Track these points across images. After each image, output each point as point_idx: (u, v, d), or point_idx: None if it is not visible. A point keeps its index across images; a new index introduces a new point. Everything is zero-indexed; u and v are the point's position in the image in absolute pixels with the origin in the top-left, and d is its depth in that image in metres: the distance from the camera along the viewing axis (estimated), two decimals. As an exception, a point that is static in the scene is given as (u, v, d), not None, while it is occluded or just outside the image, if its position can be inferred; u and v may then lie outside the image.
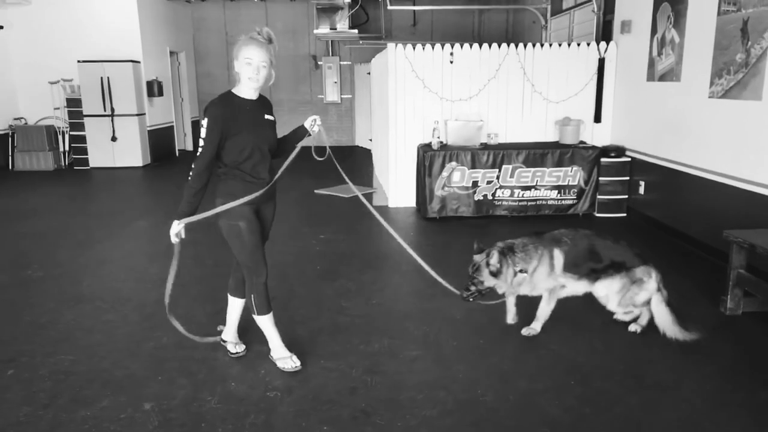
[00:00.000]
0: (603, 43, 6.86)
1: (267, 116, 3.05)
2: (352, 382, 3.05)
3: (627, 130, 6.68)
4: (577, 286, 3.54)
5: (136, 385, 3.01)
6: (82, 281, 4.61)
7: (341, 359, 3.28)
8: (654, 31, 6.01)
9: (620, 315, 3.65)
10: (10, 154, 10.47)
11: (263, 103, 3.07)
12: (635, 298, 3.46)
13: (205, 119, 2.85)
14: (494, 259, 3.33)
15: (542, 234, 3.54)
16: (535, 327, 3.56)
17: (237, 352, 3.33)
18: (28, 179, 9.58)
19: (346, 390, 2.97)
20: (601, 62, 6.84)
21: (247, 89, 2.97)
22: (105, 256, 5.31)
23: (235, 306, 3.31)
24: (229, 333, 3.37)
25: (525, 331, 3.56)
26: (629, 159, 6.51)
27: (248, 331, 3.47)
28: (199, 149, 2.87)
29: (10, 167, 10.48)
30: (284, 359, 3.16)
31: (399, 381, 3.06)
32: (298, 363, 3.15)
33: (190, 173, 2.86)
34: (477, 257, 3.43)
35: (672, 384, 3.03)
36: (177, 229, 2.91)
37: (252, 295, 3.08)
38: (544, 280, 3.45)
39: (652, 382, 3.04)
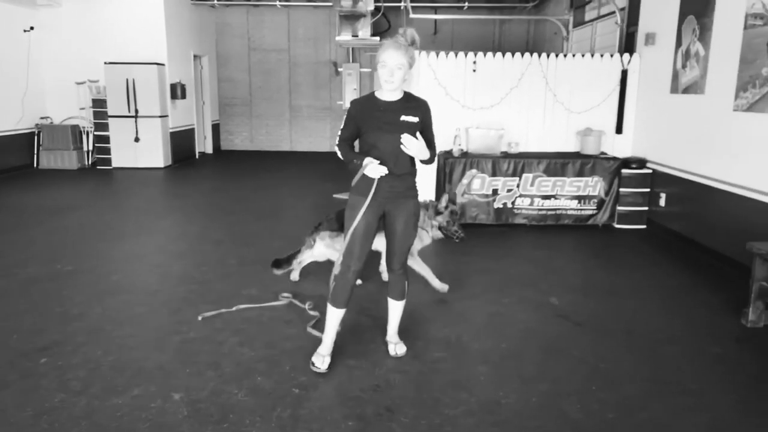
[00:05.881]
0: (626, 55, 6.89)
1: (404, 118, 3.00)
2: (375, 380, 3.09)
3: (649, 142, 6.68)
4: None
5: (166, 376, 3.07)
6: (110, 276, 4.71)
7: (365, 358, 3.33)
8: (679, 43, 6.03)
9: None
10: (35, 152, 10.69)
11: (405, 105, 3.04)
12: None
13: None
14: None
15: None
16: None
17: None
18: (53, 177, 9.77)
19: (370, 388, 3.01)
20: (624, 74, 6.86)
21: (385, 91, 3.02)
22: (131, 252, 5.42)
23: None
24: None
25: None
26: (650, 171, 6.51)
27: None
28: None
29: (35, 165, 10.69)
30: (320, 357, 3.20)
31: (422, 381, 3.10)
32: (323, 368, 3.15)
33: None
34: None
35: (697, 391, 3.03)
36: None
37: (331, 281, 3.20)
38: None
39: (677, 390, 3.05)
